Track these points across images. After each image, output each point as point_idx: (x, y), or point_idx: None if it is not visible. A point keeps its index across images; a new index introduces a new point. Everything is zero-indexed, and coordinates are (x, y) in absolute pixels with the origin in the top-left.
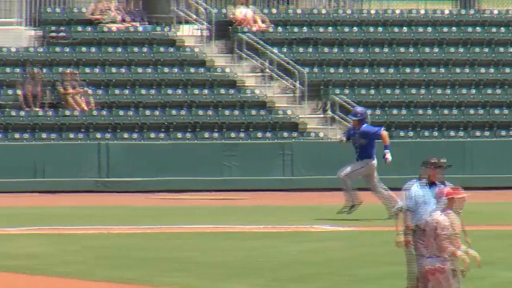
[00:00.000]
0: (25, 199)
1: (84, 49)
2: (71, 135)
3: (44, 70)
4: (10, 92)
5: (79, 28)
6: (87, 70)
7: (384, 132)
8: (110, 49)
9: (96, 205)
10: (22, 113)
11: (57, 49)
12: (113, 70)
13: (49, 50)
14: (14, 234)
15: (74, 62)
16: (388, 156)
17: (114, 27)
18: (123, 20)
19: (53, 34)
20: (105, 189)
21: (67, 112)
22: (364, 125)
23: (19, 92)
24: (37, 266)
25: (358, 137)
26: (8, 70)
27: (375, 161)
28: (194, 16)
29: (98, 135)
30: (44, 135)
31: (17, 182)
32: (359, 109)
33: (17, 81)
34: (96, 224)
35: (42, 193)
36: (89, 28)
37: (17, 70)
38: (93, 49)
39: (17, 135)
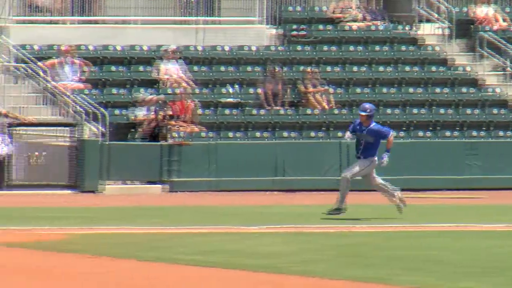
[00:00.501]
0: (266, 197)
1: (324, 47)
2: (312, 134)
3: (285, 69)
4: (251, 90)
5: (320, 27)
6: (328, 68)
7: (392, 137)
8: (351, 48)
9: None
10: (263, 111)
11: (298, 47)
12: (354, 68)
13: (289, 48)
14: (254, 232)
15: (315, 60)
16: (386, 159)
17: (354, 25)
18: (364, 19)
19: (294, 32)
20: None
21: (308, 111)
22: (373, 123)
23: (259, 90)
24: (276, 265)
25: (366, 134)
26: (249, 68)
27: (377, 158)
28: (435, 15)
29: (339, 134)
30: (284, 134)
31: (258, 181)
32: (367, 105)
33: (258, 79)
34: (336, 223)
35: (282, 192)
36: (329, 27)
37: (258, 68)
38: (333, 48)
39: (257, 134)
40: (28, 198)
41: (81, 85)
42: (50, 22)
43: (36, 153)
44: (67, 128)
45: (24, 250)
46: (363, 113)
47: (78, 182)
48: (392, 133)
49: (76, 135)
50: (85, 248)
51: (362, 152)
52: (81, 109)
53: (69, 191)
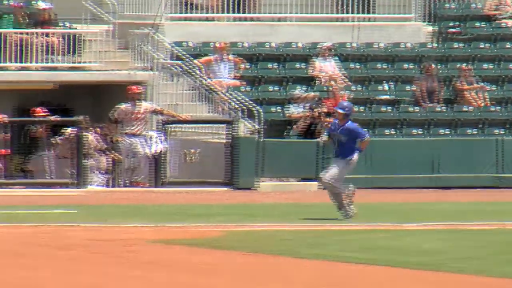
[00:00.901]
0: (422, 194)
1: (480, 44)
2: (467, 131)
3: (440, 66)
4: (406, 88)
5: (475, 24)
6: (483, 66)
7: (368, 140)
8: (507, 45)
9: (492, 201)
10: (418, 108)
11: (453, 45)
12: (509, 66)
13: (444, 46)
14: (410, 230)
15: (470, 58)
16: (355, 157)
17: (510, 22)
18: None
19: (450, 30)
20: (501, 185)
21: (463, 108)
22: (349, 122)
23: (415, 88)
24: (431, 262)
25: (340, 133)
26: (405, 66)
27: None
28: None
29: (496, 131)
30: (440, 131)
31: (414, 178)
32: (345, 103)
33: (413, 77)
34: (491, 220)
35: (438, 189)
36: (485, 24)
37: (413, 66)
38: (488, 45)
39: (413, 131)
40: (183, 195)
41: (237, 82)
42: (206, 20)
43: (192, 151)
44: (222, 125)
45: (183, 247)
46: (341, 111)
47: (233, 179)
48: (368, 137)
49: (231, 132)
50: (242, 245)
51: (341, 152)
52: (236, 106)
53: (224, 188)
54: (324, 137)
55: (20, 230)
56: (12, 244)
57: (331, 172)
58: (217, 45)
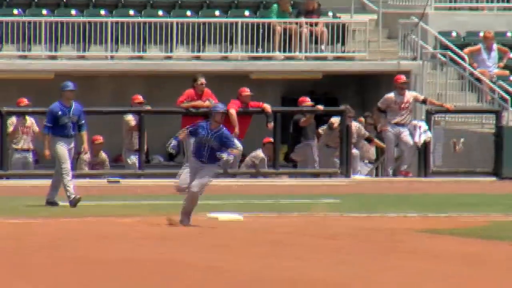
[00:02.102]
0: None
1: None
2: None
3: None
4: None
5: None
6: None
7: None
8: None
9: None
10: None
11: None
12: None
13: None
14: None
15: None
16: (227, 156)
17: None
18: None
19: None
20: None
21: None
22: (224, 128)
23: None
24: None
25: (213, 139)
26: None
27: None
28: None
29: None
30: None
31: None
32: (221, 104)
33: None
34: None
35: None
36: None
37: None
38: None
39: None
40: (449, 185)
41: (505, 72)
42: (472, 9)
43: (461, 140)
44: (488, 115)
45: (449, 237)
46: (222, 111)
47: (498, 169)
48: (239, 149)
49: (497, 122)
50: (509, 235)
51: (208, 157)
52: (503, 96)
53: (490, 178)
54: (173, 142)
55: (288, 220)
56: (280, 234)
57: (203, 181)
58: (483, 34)
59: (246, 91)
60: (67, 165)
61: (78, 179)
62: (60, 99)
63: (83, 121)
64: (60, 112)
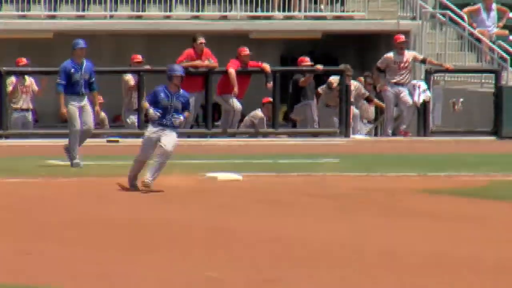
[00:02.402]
0: None
1: None
2: None
3: None
4: None
5: None
6: None
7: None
8: None
9: None
10: None
11: None
12: None
13: None
14: None
15: None
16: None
17: None
18: None
19: None
20: None
21: None
22: (183, 90)
23: None
24: None
25: (176, 100)
26: None
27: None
28: None
29: None
30: None
31: None
32: (180, 67)
33: None
34: None
35: None
36: None
37: None
38: None
39: None
40: (448, 144)
41: (504, 32)
42: None
43: (461, 100)
44: (487, 74)
45: (449, 196)
46: (181, 74)
47: (498, 128)
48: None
49: (496, 82)
50: (509, 194)
51: (171, 121)
52: (503, 55)
53: (490, 138)
54: (151, 110)
55: (287, 180)
56: (280, 194)
57: (173, 140)
58: None
59: (246, 51)
60: (76, 127)
61: None
62: (71, 57)
63: (93, 79)
64: (72, 70)
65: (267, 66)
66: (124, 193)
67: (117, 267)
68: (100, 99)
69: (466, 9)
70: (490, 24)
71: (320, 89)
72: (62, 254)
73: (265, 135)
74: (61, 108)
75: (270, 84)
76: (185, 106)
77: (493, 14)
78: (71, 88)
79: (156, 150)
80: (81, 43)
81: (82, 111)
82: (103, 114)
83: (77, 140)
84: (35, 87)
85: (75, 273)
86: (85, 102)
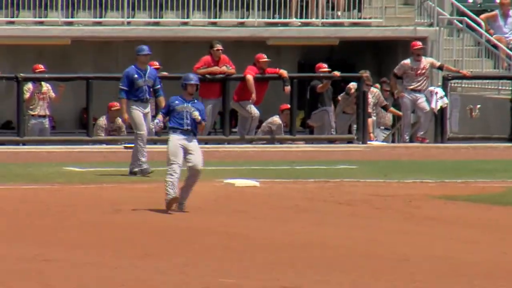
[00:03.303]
0: None
1: None
2: None
3: None
4: None
5: None
6: None
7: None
8: None
9: None
10: None
11: None
12: None
13: None
14: None
15: None
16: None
17: None
18: None
19: None
20: None
21: None
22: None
23: None
24: None
25: (191, 106)
26: None
27: None
28: None
29: None
30: None
31: None
32: (194, 75)
33: None
34: None
35: None
36: None
37: None
38: None
39: None
40: (465, 151)
41: None
42: None
43: (477, 106)
44: (504, 81)
45: (465, 203)
46: (196, 83)
47: None
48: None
49: None
50: None
51: (191, 125)
52: None
53: (507, 144)
54: (159, 118)
55: (304, 186)
56: (296, 200)
57: (200, 156)
58: (500, 1)
59: (264, 58)
60: (142, 131)
61: (95, 145)
62: (135, 63)
63: (159, 86)
64: (136, 75)
65: (284, 72)
66: (141, 199)
67: (132, 272)
68: (116, 105)
69: (483, 16)
70: (507, 30)
71: (339, 97)
72: (77, 260)
73: (282, 141)
74: (122, 114)
75: (287, 88)
76: (201, 114)
77: (510, 20)
78: (135, 93)
79: (188, 171)
80: (145, 49)
81: (146, 118)
82: (120, 121)
83: (145, 144)
84: (52, 94)
85: (89, 279)
86: (148, 109)
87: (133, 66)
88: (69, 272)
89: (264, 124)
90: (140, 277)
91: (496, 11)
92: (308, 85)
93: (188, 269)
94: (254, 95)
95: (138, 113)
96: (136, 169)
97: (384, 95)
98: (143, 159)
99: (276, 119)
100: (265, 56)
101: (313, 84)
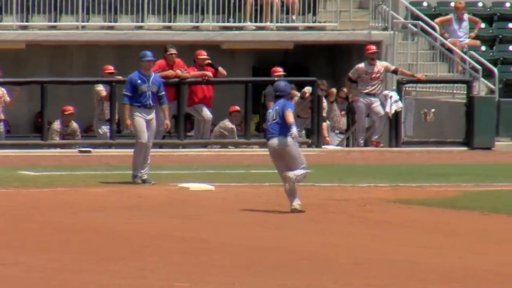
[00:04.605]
0: None
1: None
2: None
3: None
4: None
5: None
6: None
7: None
8: None
9: None
10: None
11: None
12: None
13: None
14: None
15: None
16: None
17: None
18: None
19: None
20: None
21: None
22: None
23: None
24: None
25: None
26: None
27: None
28: None
29: None
30: None
31: None
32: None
33: None
34: None
35: None
36: None
37: None
38: None
39: None
40: (420, 155)
41: (475, 42)
42: None
43: (432, 110)
44: (459, 85)
45: (420, 207)
46: (149, 59)
47: (469, 139)
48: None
49: (468, 92)
50: (479, 205)
51: (152, 100)
52: (474, 66)
53: (461, 148)
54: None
55: (259, 190)
56: (252, 204)
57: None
58: (454, 5)
59: (203, 54)
60: (142, 140)
61: (49, 149)
62: (139, 68)
63: (163, 93)
64: (139, 81)
65: (222, 70)
66: (96, 203)
67: (90, 276)
68: (70, 109)
69: (438, 20)
70: (462, 34)
71: (294, 100)
72: (34, 263)
73: (236, 145)
74: (125, 119)
75: (220, 68)
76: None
77: (465, 24)
78: (138, 99)
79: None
80: (148, 55)
81: (147, 124)
82: (74, 125)
83: (142, 153)
84: (7, 98)
85: (47, 283)
86: (152, 116)
87: (136, 72)
88: (26, 276)
89: (215, 128)
90: (98, 281)
91: (451, 15)
92: (263, 89)
93: (145, 273)
94: (207, 73)
95: (140, 120)
96: (145, 177)
97: (338, 101)
98: (135, 167)
99: (227, 123)
100: (204, 53)
101: (269, 89)
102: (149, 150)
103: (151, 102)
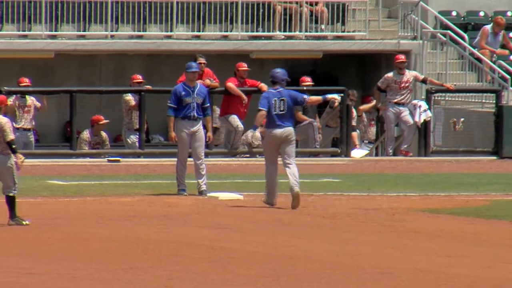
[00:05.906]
0: None
1: None
2: None
3: None
4: None
5: None
6: None
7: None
8: None
9: None
10: None
11: None
12: None
13: None
14: None
15: None
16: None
17: None
18: None
19: None
20: None
21: None
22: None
23: None
24: None
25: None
26: None
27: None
28: None
29: None
30: None
31: None
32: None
33: None
34: None
35: None
36: None
37: None
38: None
39: None
40: (449, 164)
41: (505, 51)
42: None
43: (461, 119)
44: (488, 94)
45: (448, 216)
46: (194, 70)
47: (498, 148)
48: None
49: (497, 102)
50: (508, 214)
51: (197, 112)
52: (503, 76)
53: (490, 157)
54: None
55: (287, 199)
56: (280, 213)
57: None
58: (495, 20)
59: (243, 66)
60: (183, 155)
61: (78, 159)
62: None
63: (208, 104)
64: (183, 92)
65: (264, 86)
66: (125, 212)
67: (118, 285)
68: (102, 119)
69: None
70: (492, 44)
71: (324, 110)
72: (61, 273)
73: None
74: (170, 131)
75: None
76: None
77: (499, 38)
78: (183, 111)
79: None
80: (193, 66)
81: (193, 136)
82: (104, 134)
83: (184, 167)
84: (37, 103)
85: None
86: (198, 127)
87: (181, 83)
88: (53, 285)
89: (243, 137)
90: None
91: (488, 27)
92: None
93: (173, 282)
94: (244, 96)
95: (184, 135)
96: (202, 188)
97: (366, 111)
98: (180, 180)
99: (256, 133)
100: (245, 65)
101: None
102: (200, 162)
103: (195, 113)
